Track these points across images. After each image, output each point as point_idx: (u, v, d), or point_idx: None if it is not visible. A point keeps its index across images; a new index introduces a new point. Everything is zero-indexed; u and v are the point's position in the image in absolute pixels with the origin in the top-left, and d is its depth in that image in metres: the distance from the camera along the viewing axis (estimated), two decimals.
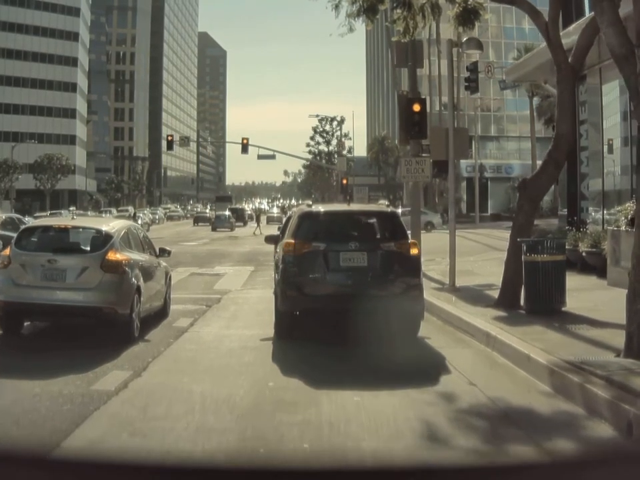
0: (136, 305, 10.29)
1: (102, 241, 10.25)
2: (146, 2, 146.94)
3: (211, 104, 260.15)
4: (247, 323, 12.13)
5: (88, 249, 10.30)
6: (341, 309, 9.77)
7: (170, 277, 13.25)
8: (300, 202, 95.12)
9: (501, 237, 40.54)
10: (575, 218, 19.67)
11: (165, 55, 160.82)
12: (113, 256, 10.00)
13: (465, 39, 16.03)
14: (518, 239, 11.70)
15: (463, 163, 59.26)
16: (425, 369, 8.37)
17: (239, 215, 67.32)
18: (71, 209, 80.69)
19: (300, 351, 9.58)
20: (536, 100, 65.03)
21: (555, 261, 11.50)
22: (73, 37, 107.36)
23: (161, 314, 12.31)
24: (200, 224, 63.74)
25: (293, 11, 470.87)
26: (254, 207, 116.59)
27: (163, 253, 12.59)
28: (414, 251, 10.28)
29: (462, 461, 4.62)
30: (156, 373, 8.14)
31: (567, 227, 18.42)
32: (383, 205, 12.75)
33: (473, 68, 30.86)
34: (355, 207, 13.17)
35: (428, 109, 19.75)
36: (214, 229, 54.01)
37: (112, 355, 8.95)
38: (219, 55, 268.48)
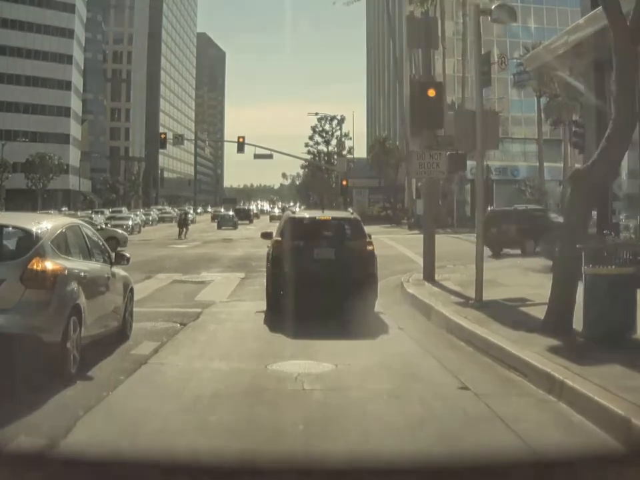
0: (73, 331, 7.62)
1: (26, 244, 7.52)
2: (144, 1, 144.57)
3: (209, 105, 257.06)
4: (226, 351, 9.52)
5: (6, 255, 7.64)
6: (315, 289, 12.26)
7: (131, 290, 10.58)
8: (297, 204, 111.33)
9: None
10: (614, 221, 17.26)
11: (163, 54, 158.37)
12: (38, 264, 7.31)
13: (494, 5, 13.39)
14: (577, 246, 9.07)
15: (468, 164, 56.49)
16: (474, 435, 5.76)
17: (245, 214, 77.48)
18: (63, 209, 78.16)
19: (289, 401, 6.99)
20: (543, 100, 62.48)
21: (623, 275, 8.93)
22: (68, 34, 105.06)
23: (118, 337, 9.74)
24: (216, 221, 71.15)
25: (292, 10, 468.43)
26: (258, 208, 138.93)
27: (120, 260, 9.82)
28: (370, 248, 13.02)
29: (462, 460, 4.32)
30: (80, 443, 5.51)
31: (605, 232, 15.90)
32: (348, 211, 15.35)
33: (486, 59, 28.33)
34: (327, 213, 15.46)
35: None
36: (219, 227, 60.53)
37: (30, 406, 6.33)
38: (218, 55, 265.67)
